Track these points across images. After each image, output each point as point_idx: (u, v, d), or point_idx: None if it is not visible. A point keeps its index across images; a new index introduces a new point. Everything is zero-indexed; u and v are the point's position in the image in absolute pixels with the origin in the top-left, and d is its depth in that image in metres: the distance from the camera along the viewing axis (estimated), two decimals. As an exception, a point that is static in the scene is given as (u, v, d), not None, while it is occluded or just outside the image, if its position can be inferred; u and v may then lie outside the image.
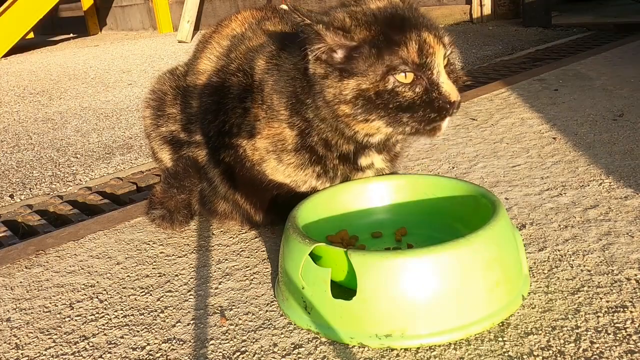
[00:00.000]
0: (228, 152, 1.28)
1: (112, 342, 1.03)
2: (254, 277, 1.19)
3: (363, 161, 1.23)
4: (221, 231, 1.43)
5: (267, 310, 1.07)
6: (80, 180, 2.13)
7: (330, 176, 1.24)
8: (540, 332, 0.93)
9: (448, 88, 1.06)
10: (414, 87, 1.05)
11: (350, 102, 1.06)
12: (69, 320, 1.11)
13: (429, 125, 1.08)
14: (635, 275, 1.05)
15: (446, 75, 1.06)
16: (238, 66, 1.28)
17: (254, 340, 0.99)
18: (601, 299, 1.00)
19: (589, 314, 0.96)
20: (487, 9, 5.03)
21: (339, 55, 1.07)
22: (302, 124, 1.17)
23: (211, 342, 1.00)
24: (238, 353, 0.96)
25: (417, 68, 1.04)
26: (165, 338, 1.02)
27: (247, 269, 1.23)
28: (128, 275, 1.26)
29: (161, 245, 1.39)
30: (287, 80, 1.17)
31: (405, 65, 1.04)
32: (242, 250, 1.32)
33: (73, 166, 2.29)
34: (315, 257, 1.00)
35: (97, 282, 1.25)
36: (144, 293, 1.18)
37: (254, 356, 0.95)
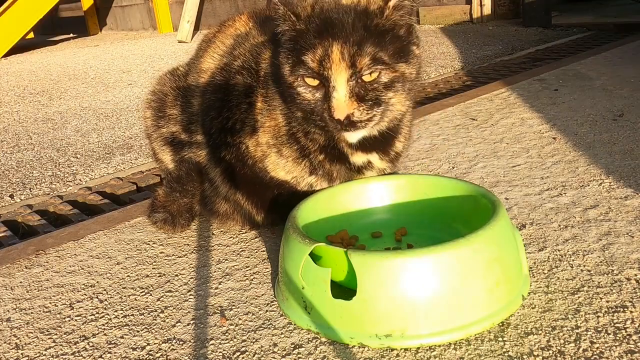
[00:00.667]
0: (230, 149, 1.28)
1: (112, 342, 1.03)
2: (254, 277, 1.19)
3: (356, 159, 1.22)
4: (221, 231, 1.43)
5: (267, 310, 1.07)
6: (80, 180, 2.13)
7: (321, 173, 1.23)
8: (540, 332, 0.93)
9: (335, 104, 1.04)
10: (314, 92, 1.07)
11: (288, 86, 1.10)
12: (69, 320, 1.11)
13: (325, 130, 1.12)
14: (635, 275, 1.05)
15: (345, 92, 1.04)
16: (243, 63, 1.28)
17: (254, 340, 0.99)
18: (601, 299, 1.00)
19: (589, 314, 0.96)
20: (487, 9, 5.03)
21: (285, 37, 1.10)
22: (287, 111, 1.19)
23: (211, 342, 1.00)
24: (238, 353, 0.96)
25: (318, 76, 1.06)
26: (165, 338, 1.02)
27: (247, 269, 1.23)
28: (128, 275, 1.26)
29: (161, 245, 1.39)
30: (276, 67, 1.18)
31: (308, 69, 1.05)
32: (242, 250, 1.32)
33: (73, 166, 2.29)
34: (315, 257, 1.00)
35: (97, 282, 1.25)
36: (144, 293, 1.18)
37: (254, 356, 0.95)
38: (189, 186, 1.37)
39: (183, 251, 1.35)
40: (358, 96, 1.04)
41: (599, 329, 0.92)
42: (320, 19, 1.06)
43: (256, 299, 1.11)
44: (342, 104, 1.03)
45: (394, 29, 1.06)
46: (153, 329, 1.05)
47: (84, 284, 1.24)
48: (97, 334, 1.06)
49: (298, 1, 1.09)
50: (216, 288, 1.17)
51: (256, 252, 1.30)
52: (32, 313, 1.15)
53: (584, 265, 1.10)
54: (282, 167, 1.23)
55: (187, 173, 1.37)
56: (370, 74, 1.03)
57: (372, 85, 1.04)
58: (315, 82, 1.06)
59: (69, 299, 1.19)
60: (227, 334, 1.01)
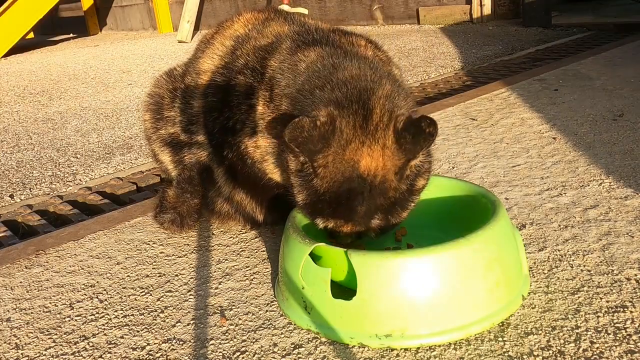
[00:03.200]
0: (231, 148, 1.27)
1: (112, 342, 1.03)
2: (254, 277, 1.19)
3: None
4: (221, 231, 1.43)
5: (267, 310, 1.07)
6: (80, 180, 2.12)
7: None
8: (540, 332, 0.93)
9: (345, 240, 1.07)
10: (326, 223, 1.07)
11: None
12: (69, 320, 1.11)
13: None
14: (635, 275, 1.05)
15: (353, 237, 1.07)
16: (245, 63, 1.27)
17: (254, 340, 0.99)
18: (601, 299, 1.00)
19: (589, 314, 0.96)
20: (487, 9, 5.03)
21: (301, 171, 1.05)
22: None
23: (211, 342, 1.00)
24: (238, 353, 0.96)
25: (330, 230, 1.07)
26: (165, 338, 1.02)
27: (247, 269, 1.23)
28: (128, 275, 1.26)
29: (161, 245, 1.39)
30: (301, 97, 1.13)
31: (319, 224, 1.06)
32: (242, 250, 1.32)
33: (73, 166, 2.29)
34: (315, 257, 1.00)
35: (97, 282, 1.25)
36: (144, 293, 1.18)
37: (254, 356, 0.95)
38: (200, 187, 1.38)
39: (183, 251, 1.35)
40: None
41: (599, 329, 0.92)
42: (337, 194, 1.00)
43: (256, 299, 1.11)
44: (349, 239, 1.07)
45: (405, 192, 1.04)
46: (153, 329, 1.05)
47: (84, 284, 1.24)
48: (97, 334, 1.06)
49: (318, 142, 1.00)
50: (216, 288, 1.17)
51: (256, 252, 1.30)
52: (32, 313, 1.15)
53: (584, 265, 1.10)
54: (279, 175, 1.22)
55: (199, 174, 1.37)
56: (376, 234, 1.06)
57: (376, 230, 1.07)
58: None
59: (69, 299, 1.19)
60: (227, 334, 1.01)
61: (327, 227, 1.05)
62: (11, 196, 2.00)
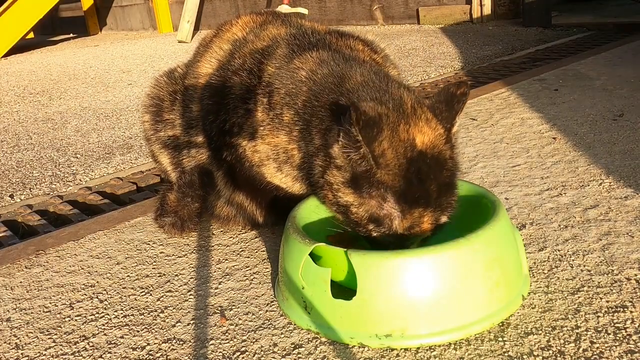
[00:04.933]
0: (230, 150, 1.27)
1: (112, 342, 1.03)
2: (254, 277, 1.19)
3: None
4: (221, 231, 1.43)
5: (267, 310, 1.07)
6: (80, 180, 2.12)
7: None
8: (540, 332, 0.93)
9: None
10: (380, 229, 1.01)
11: (347, 216, 1.04)
12: (69, 320, 1.11)
13: None
14: (635, 275, 1.05)
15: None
16: (241, 65, 1.27)
17: (254, 340, 0.99)
18: (601, 299, 1.00)
19: (589, 314, 0.96)
20: (487, 9, 5.03)
21: (353, 168, 1.00)
22: (307, 151, 1.13)
23: (211, 342, 1.00)
24: (238, 353, 0.96)
25: (397, 235, 1.00)
26: (165, 338, 1.02)
27: (247, 269, 1.23)
28: (128, 275, 1.26)
29: (161, 245, 1.39)
30: (308, 109, 1.12)
31: (389, 230, 0.99)
32: (242, 250, 1.32)
33: (73, 166, 2.29)
34: (315, 257, 1.00)
35: (97, 282, 1.25)
36: (144, 293, 1.18)
37: (254, 356, 0.95)
38: (202, 191, 1.37)
39: (183, 251, 1.35)
40: None
41: (599, 329, 0.92)
42: (407, 179, 0.97)
43: (256, 299, 1.11)
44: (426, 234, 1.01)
45: (457, 161, 1.04)
46: (153, 329, 1.05)
47: (84, 284, 1.24)
48: (97, 334, 1.06)
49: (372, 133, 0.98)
50: (216, 288, 1.17)
51: (256, 252, 1.30)
52: (32, 313, 1.15)
53: (584, 265, 1.10)
54: (280, 179, 1.22)
55: (200, 178, 1.37)
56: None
57: None
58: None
59: (69, 299, 1.19)
60: (227, 334, 1.01)
61: (404, 228, 0.98)
62: (11, 196, 2.00)
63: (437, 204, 0.99)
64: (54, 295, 1.21)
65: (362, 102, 1.01)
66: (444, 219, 1.01)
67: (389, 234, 0.99)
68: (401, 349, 0.92)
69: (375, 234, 1.01)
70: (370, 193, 0.99)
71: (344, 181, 1.01)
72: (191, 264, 1.28)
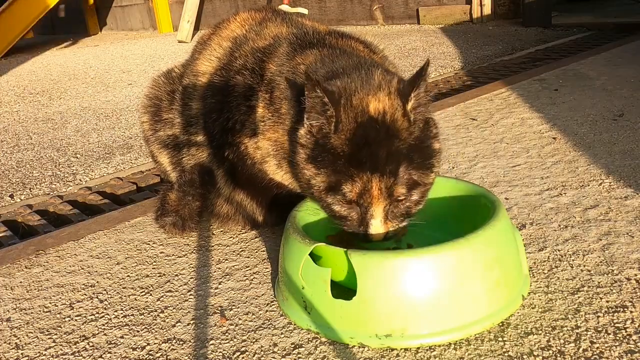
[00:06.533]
0: (232, 149, 1.27)
1: (112, 342, 1.03)
2: (254, 277, 1.19)
3: None
4: (221, 231, 1.43)
5: (267, 310, 1.07)
6: (80, 180, 2.12)
7: None
8: (540, 332, 0.93)
9: (373, 230, 1.04)
10: (350, 211, 1.05)
11: (319, 198, 1.07)
12: (69, 320, 1.11)
13: None
14: (635, 275, 1.05)
15: (381, 218, 1.03)
16: (244, 64, 1.27)
17: (254, 340, 0.99)
18: (601, 299, 1.00)
19: (589, 314, 0.96)
20: (487, 9, 5.03)
21: (315, 136, 1.04)
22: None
23: (211, 342, 1.00)
24: (238, 353, 0.96)
25: (356, 204, 1.03)
26: (165, 338, 1.02)
27: (247, 269, 1.23)
28: (128, 275, 1.26)
29: (161, 245, 1.39)
30: (298, 97, 1.14)
31: (344, 198, 1.02)
32: (242, 250, 1.32)
33: (73, 166, 2.29)
34: (315, 257, 1.00)
35: (97, 282, 1.25)
36: (144, 293, 1.18)
37: (254, 356, 0.95)
38: (203, 189, 1.37)
39: (183, 251, 1.35)
40: (392, 215, 1.04)
41: (599, 329, 0.92)
42: (355, 142, 1.00)
43: (256, 299, 1.11)
44: (378, 229, 1.03)
45: (419, 138, 1.04)
46: (153, 329, 1.05)
47: (84, 284, 1.24)
48: (97, 334, 1.06)
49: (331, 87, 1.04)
50: (216, 288, 1.17)
51: (256, 252, 1.30)
52: (32, 313, 1.15)
53: (584, 265, 1.10)
54: (281, 176, 1.22)
55: (200, 176, 1.37)
56: (405, 198, 1.04)
57: (405, 204, 1.04)
58: (351, 205, 1.03)
59: (69, 299, 1.19)
60: (227, 334, 1.01)
61: (356, 193, 1.00)
62: (11, 196, 2.00)
63: (387, 171, 0.99)
64: (54, 295, 1.21)
65: (321, 79, 1.06)
66: (400, 190, 1.01)
67: (347, 207, 1.02)
68: (401, 349, 0.92)
69: (334, 207, 1.03)
70: (325, 161, 1.02)
71: (306, 157, 1.05)
72: (191, 264, 1.28)
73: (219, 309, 1.09)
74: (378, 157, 0.99)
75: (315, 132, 1.04)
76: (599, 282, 1.04)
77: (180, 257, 1.32)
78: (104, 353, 1.00)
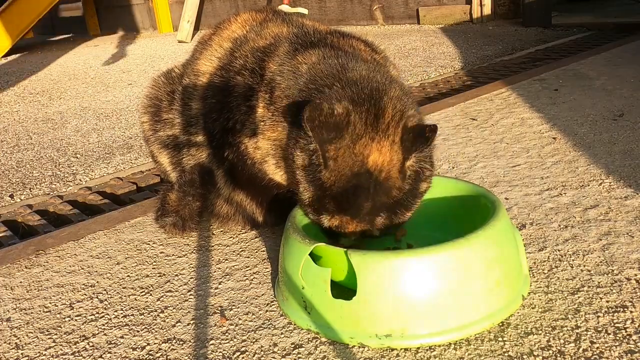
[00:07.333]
0: (232, 149, 1.27)
1: (112, 342, 1.03)
2: (254, 277, 1.19)
3: None
4: (221, 231, 1.43)
5: (267, 310, 1.07)
6: (80, 180, 2.12)
7: None
8: (540, 332, 0.93)
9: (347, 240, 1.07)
10: (331, 220, 1.07)
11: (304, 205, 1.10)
12: (69, 320, 1.11)
13: None
14: (635, 275, 1.05)
15: (356, 235, 1.06)
16: (244, 64, 1.27)
17: (254, 340, 0.99)
18: (601, 299, 1.00)
19: (589, 314, 0.96)
20: (487, 9, 5.03)
21: (310, 160, 1.04)
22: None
23: (211, 342, 1.00)
24: (238, 353, 0.96)
25: (335, 228, 1.06)
26: (165, 338, 1.02)
27: (247, 269, 1.23)
28: (128, 275, 1.26)
29: (161, 245, 1.39)
30: (299, 98, 1.14)
31: (323, 222, 1.05)
32: (242, 250, 1.32)
33: (73, 166, 2.29)
34: (315, 257, 1.00)
35: (97, 282, 1.25)
36: (144, 293, 1.18)
37: (254, 356, 0.95)
38: (203, 189, 1.37)
39: (183, 251, 1.35)
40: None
41: (599, 329, 0.92)
42: (344, 189, 1.00)
43: (256, 299, 1.11)
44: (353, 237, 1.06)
45: (409, 191, 1.04)
46: (153, 329, 1.05)
47: (84, 284, 1.24)
48: (97, 334, 1.06)
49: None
50: (216, 288, 1.17)
51: (256, 252, 1.30)
52: (32, 313, 1.15)
53: (584, 265, 1.10)
54: (280, 176, 1.22)
55: (201, 176, 1.37)
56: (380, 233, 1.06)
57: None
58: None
59: (69, 299, 1.19)
60: (227, 334, 1.01)
61: (333, 225, 1.04)
62: (11, 196, 2.00)
63: (366, 220, 1.02)
64: (54, 295, 1.21)
65: (337, 104, 1.02)
66: (375, 231, 1.04)
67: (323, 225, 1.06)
68: (401, 349, 0.92)
69: (312, 217, 1.07)
70: (314, 182, 1.03)
71: (303, 165, 1.06)
72: (191, 264, 1.28)
73: (219, 309, 1.09)
74: (361, 209, 1.01)
75: (310, 153, 1.04)
76: (599, 282, 1.04)
77: (180, 257, 1.32)
78: (104, 353, 1.00)
